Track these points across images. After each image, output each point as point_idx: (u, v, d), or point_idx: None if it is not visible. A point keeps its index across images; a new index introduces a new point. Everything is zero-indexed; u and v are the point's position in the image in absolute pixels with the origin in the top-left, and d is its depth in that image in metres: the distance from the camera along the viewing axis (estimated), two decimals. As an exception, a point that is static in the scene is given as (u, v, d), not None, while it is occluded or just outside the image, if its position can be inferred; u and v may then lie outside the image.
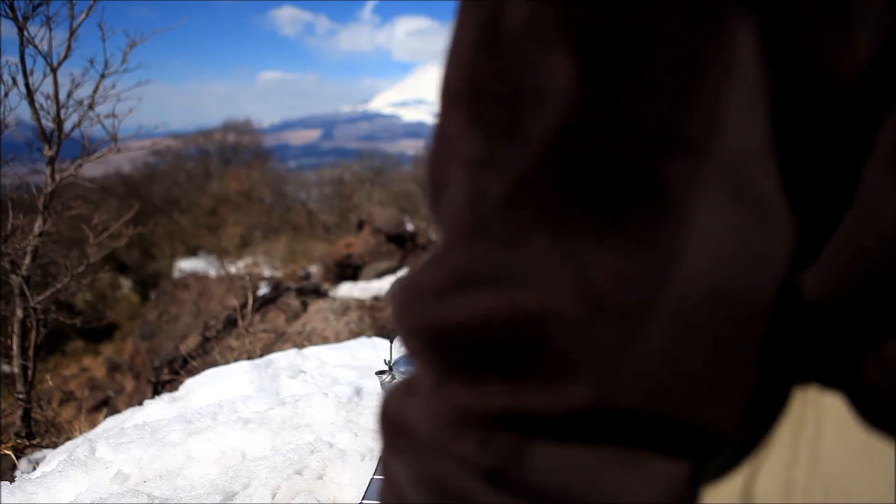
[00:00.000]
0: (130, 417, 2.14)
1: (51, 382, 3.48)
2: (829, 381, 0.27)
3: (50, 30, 3.27)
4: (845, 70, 0.22)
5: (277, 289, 6.00)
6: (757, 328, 0.23)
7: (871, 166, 0.23)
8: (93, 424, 2.59)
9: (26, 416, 3.14)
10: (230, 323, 5.15)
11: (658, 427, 0.23)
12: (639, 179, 0.22)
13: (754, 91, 0.22)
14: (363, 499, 1.24)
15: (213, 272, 7.98)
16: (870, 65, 0.22)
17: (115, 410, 4.06)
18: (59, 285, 3.50)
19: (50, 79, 3.32)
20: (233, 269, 7.65)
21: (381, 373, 1.34)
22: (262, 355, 3.05)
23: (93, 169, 4.44)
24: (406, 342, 0.27)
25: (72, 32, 3.38)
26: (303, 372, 2.33)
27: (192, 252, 12.87)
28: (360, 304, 5.11)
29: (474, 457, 0.24)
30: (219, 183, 15.81)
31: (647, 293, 0.22)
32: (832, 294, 0.25)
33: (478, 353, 0.23)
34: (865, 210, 0.24)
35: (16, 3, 3.11)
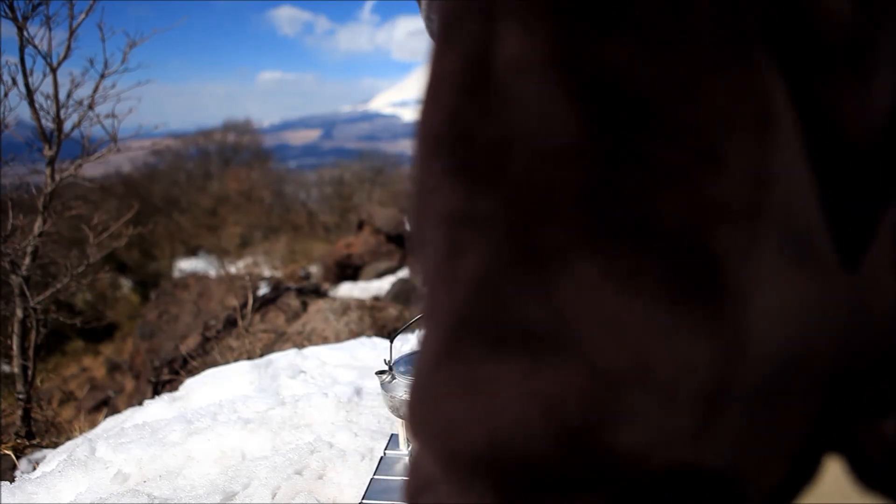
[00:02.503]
0: (130, 417, 2.14)
1: (39, 384, 3.46)
2: (829, 445, 0.26)
3: (50, 30, 3.27)
4: (861, 127, 0.20)
5: (277, 289, 6.00)
6: (821, 386, 0.22)
7: (876, 241, 0.21)
8: (93, 424, 2.59)
9: (26, 416, 3.14)
10: (230, 323, 5.15)
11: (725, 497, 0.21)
12: (680, 251, 0.19)
13: (793, 142, 0.19)
14: (363, 499, 1.24)
15: (213, 272, 7.98)
16: (886, 125, 0.20)
17: (115, 410, 4.06)
18: (59, 285, 3.50)
19: (50, 79, 3.32)
20: (233, 269, 7.65)
21: (381, 373, 1.34)
22: (262, 355, 3.05)
23: (93, 169, 4.44)
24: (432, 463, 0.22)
25: (71, 32, 3.38)
26: (303, 372, 2.33)
27: (192, 252, 12.87)
28: (360, 304, 5.11)
29: None
30: (219, 183, 15.80)
31: (718, 379, 0.19)
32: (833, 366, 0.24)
33: (524, 475, 0.19)
34: (867, 285, 0.22)
35: (15, 3, 3.11)
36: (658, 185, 0.18)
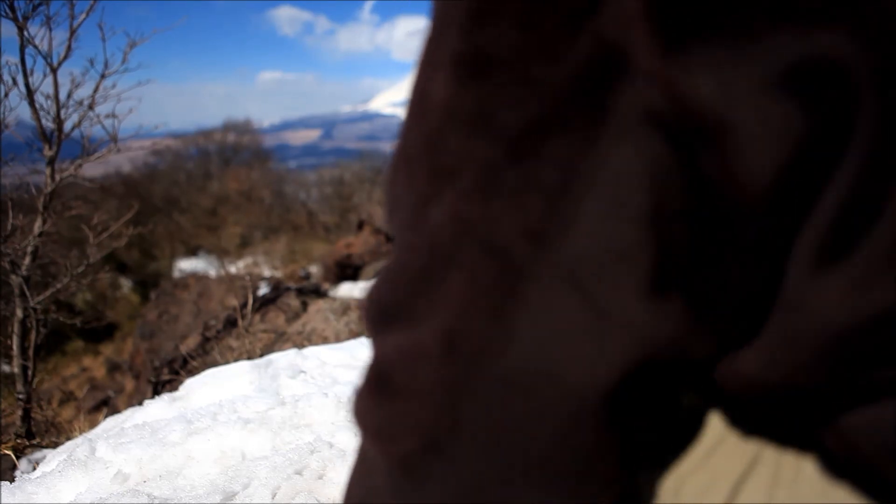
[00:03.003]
0: (130, 417, 2.14)
1: (42, 380, 3.47)
2: (793, 443, 0.28)
3: (50, 30, 3.26)
4: (748, 188, 0.22)
5: (277, 289, 6.00)
6: (582, 424, 0.24)
7: (793, 269, 0.24)
8: (93, 424, 2.59)
9: (26, 416, 3.14)
10: (230, 323, 5.15)
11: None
12: (498, 259, 0.24)
13: (628, 203, 0.23)
14: (363, 499, 1.24)
15: (213, 272, 7.98)
16: (774, 183, 0.22)
17: (115, 410, 4.06)
18: (59, 285, 3.50)
19: (50, 79, 3.32)
20: (233, 269, 7.65)
21: (381, 373, 1.34)
22: (262, 355, 3.05)
23: (93, 169, 4.44)
24: None
25: (72, 32, 3.38)
26: (303, 372, 2.33)
27: (192, 252, 12.86)
28: (361, 305, 5.10)
29: (382, 454, 0.29)
30: (219, 183, 15.80)
31: (480, 355, 0.24)
32: (779, 377, 0.26)
33: (375, 374, 0.29)
34: (793, 308, 0.24)
35: (16, 3, 3.11)
36: (508, 213, 0.24)
